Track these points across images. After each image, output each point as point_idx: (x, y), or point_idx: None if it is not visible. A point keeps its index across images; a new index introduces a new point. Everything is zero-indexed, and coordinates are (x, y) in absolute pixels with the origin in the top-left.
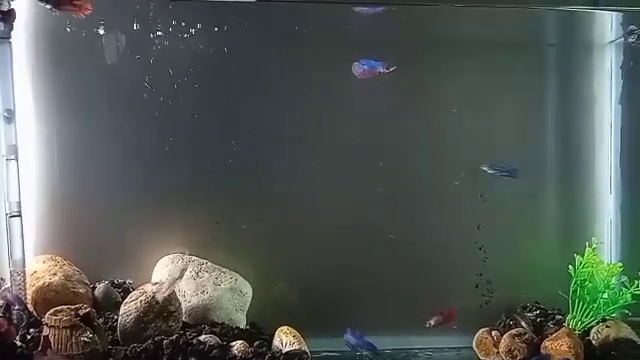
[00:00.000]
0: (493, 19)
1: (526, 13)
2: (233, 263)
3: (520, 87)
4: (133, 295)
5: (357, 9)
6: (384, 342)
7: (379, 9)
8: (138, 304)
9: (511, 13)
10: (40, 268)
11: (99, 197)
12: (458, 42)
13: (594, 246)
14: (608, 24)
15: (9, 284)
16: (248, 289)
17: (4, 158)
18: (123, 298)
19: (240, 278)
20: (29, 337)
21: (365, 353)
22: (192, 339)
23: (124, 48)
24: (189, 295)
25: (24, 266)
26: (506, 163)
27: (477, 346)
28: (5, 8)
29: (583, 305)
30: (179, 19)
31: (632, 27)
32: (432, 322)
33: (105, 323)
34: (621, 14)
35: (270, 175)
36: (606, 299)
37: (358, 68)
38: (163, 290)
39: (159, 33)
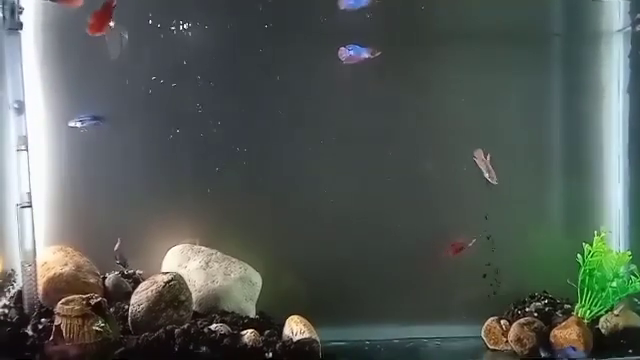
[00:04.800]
0: (499, 8)
1: (532, 2)
2: (242, 253)
3: (527, 77)
4: (144, 285)
5: (342, 7)
6: (393, 332)
7: (364, 2)
8: (149, 293)
9: (518, 2)
10: (51, 259)
11: (109, 188)
12: (465, 32)
13: (603, 235)
14: (616, 13)
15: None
16: (258, 279)
17: (14, 149)
18: (133, 288)
19: (250, 268)
20: (41, 327)
21: None
22: (203, 328)
23: (132, 41)
24: (199, 285)
25: (35, 257)
26: (91, 113)
27: (486, 335)
28: None
29: (592, 294)
30: (185, 13)
31: None
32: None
33: (116, 313)
34: (629, 2)
35: (280, 167)
36: (615, 288)
37: (344, 53)
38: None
39: (167, 27)
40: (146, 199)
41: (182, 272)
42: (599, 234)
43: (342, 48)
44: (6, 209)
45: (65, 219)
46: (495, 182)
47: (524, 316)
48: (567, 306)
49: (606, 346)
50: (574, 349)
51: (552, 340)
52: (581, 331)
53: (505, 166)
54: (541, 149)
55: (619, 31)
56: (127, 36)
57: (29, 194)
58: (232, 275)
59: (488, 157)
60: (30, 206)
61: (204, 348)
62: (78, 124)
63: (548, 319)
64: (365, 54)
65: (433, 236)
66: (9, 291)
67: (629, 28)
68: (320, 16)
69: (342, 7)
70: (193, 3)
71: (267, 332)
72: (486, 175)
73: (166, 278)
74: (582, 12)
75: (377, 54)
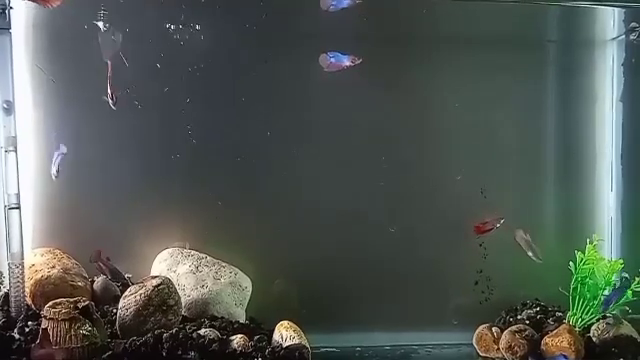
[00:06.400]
0: (494, 15)
1: (527, 9)
2: (233, 258)
3: (521, 84)
4: (132, 289)
5: (324, 7)
6: (384, 338)
7: (345, 3)
8: (137, 297)
9: (512, 9)
10: (38, 261)
11: (98, 190)
12: (459, 38)
13: (595, 243)
14: (610, 21)
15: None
16: (248, 283)
17: (3, 150)
18: (122, 292)
19: (240, 272)
20: (27, 330)
21: None
22: (192, 333)
23: (123, 40)
24: (189, 289)
25: (22, 259)
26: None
27: (477, 342)
28: None
29: (583, 302)
30: (180, 15)
31: (634, 24)
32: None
33: (104, 316)
34: (623, 11)
35: (270, 170)
36: (607, 296)
37: (326, 60)
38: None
39: (159, 29)
40: (136, 202)
41: (171, 276)
42: (591, 242)
43: (323, 55)
44: None
45: (53, 221)
46: (540, 260)
47: (516, 323)
48: (559, 314)
49: (597, 354)
50: (565, 357)
51: (543, 348)
52: (572, 339)
53: (498, 173)
54: (534, 156)
55: (613, 39)
56: (120, 37)
57: (17, 195)
58: (222, 279)
59: (528, 235)
60: (18, 208)
61: (192, 353)
62: (57, 167)
63: (540, 327)
64: (346, 62)
65: (426, 242)
66: None
67: (623, 36)
68: (317, 19)
69: (324, 7)
70: (188, 5)
71: (256, 337)
72: (530, 254)
73: (155, 282)
74: (577, 20)
75: (358, 62)
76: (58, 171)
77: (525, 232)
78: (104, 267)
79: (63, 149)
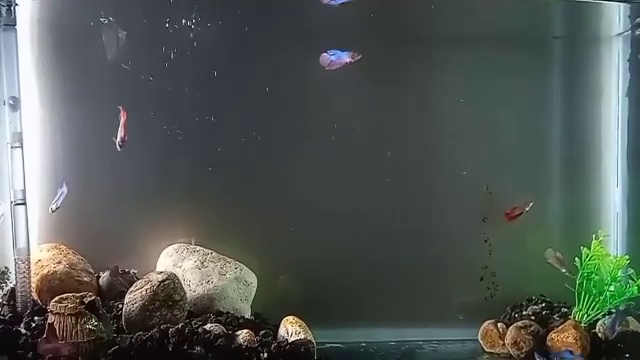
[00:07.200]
0: (499, 11)
1: (532, 5)
2: (238, 253)
3: (526, 80)
4: (138, 284)
5: (324, 1)
6: (389, 334)
7: None
8: (143, 292)
9: (517, 5)
10: (44, 256)
11: (104, 186)
12: (464, 35)
13: (601, 238)
14: (616, 16)
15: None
16: (253, 279)
17: (9, 146)
18: (127, 287)
19: (245, 268)
20: (34, 325)
21: None
22: (197, 328)
23: (129, 38)
24: (194, 285)
25: (29, 254)
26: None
27: (483, 338)
28: None
29: (589, 298)
30: (182, 12)
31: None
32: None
33: (110, 311)
34: (629, 6)
35: (275, 166)
36: (612, 292)
37: (326, 59)
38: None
39: (165, 24)
40: (141, 197)
41: (177, 271)
42: (597, 238)
43: (324, 54)
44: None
45: (59, 217)
46: (574, 276)
47: (521, 319)
48: (564, 309)
49: (603, 350)
50: (571, 352)
51: (549, 343)
52: (578, 335)
53: (504, 169)
54: (540, 152)
55: (619, 35)
56: (124, 34)
57: (23, 191)
58: (227, 275)
59: (558, 253)
60: (24, 203)
61: (198, 348)
62: (56, 205)
63: (545, 322)
64: (346, 58)
65: (431, 238)
66: (2, 289)
67: (629, 32)
68: (321, 16)
69: (325, 1)
70: (188, 4)
71: (262, 332)
72: (563, 270)
73: (160, 277)
74: (582, 15)
75: (358, 57)
76: (57, 207)
77: (555, 250)
78: (123, 280)
79: (65, 189)
